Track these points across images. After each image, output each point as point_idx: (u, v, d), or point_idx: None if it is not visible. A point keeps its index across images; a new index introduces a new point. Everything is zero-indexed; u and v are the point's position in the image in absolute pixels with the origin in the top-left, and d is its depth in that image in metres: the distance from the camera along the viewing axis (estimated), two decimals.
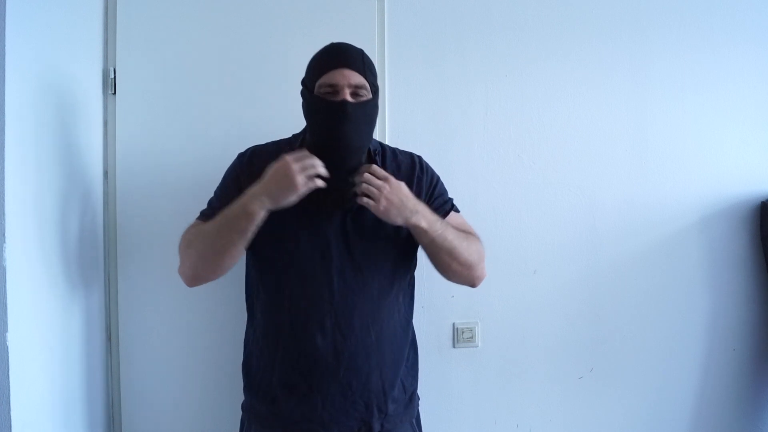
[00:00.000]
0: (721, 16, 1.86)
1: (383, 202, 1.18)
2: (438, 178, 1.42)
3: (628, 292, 1.84)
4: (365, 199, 1.19)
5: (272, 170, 1.17)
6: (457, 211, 1.41)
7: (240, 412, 1.40)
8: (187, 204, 1.65)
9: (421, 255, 1.35)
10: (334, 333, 1.26)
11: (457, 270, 1.30)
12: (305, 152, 1.19)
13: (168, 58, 1.65)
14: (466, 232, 1.35)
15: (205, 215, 1.30)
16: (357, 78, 1.21)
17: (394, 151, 1.40)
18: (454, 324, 1.77)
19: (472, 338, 1.77)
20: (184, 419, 1.66)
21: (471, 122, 1.78)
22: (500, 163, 1.79)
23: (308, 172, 1.16)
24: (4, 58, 1.05)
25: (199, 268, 1.25)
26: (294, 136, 1.38)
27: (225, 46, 1.67)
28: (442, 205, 1.38)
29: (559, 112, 1.81)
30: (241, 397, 1.39)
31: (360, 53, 1.26)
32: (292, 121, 1.67)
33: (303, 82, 1.29)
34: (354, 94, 1.21)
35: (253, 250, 1.31)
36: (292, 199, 1.16)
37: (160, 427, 1.65)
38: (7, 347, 1.04)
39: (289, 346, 1.28)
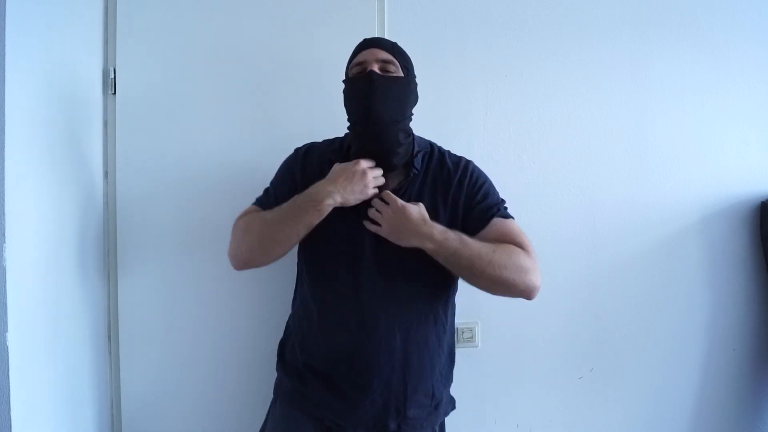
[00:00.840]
0: (721, 16, 1.86)
1: (385, 227, 1.24)
2: (485, 182, 1.38)
3: (628, 292, 1.84)
4: (367, 223, 1.26)
5: (347, 171, 1.24)
6: (508, 217, 1.34)
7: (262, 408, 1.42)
8: (187, 204, 1.65)
9: None
10: (359, 331, 1.28)
11: (489, 286, 1.25)
12: (372, 162, 1.26)
13: (168, 58, 1.65)
14: (504, 243, 1.26)
15: (262, 203, 1.35)
16: (384, 54, 1.28)
17: (444, 153, 1.40)
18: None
19: (472, 338, 1.77)
20: (185, 419, 1.66)
21: (471, 122, 1.78)
22: (500, 163, 1.79)
23: (378, 182, 1.26)
24: (4, 58, 1.05)
25: (256, 253, 1.28)
26: (341, 138, 1.43)
27: (225, 46, 1.67)
28: (486, 212, 1.32)
29: (559, 112, 1.81)
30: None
31: (390, 41, 1.34)
32: (292, 120, 1.68)
33: (344, 82, 1.34)
34: (382, 69, 1.27)
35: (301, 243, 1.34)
36: (358, 200, 1.24)
37: (160, 427, 1.65)
38: (7, 347, 1.04)
39: (317, 336, 1.32)
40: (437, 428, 1.39)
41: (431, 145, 1.41)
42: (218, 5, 1.67)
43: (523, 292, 1.27)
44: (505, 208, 1.37)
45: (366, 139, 1.28)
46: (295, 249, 1.37)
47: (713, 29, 1.86)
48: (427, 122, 1.75)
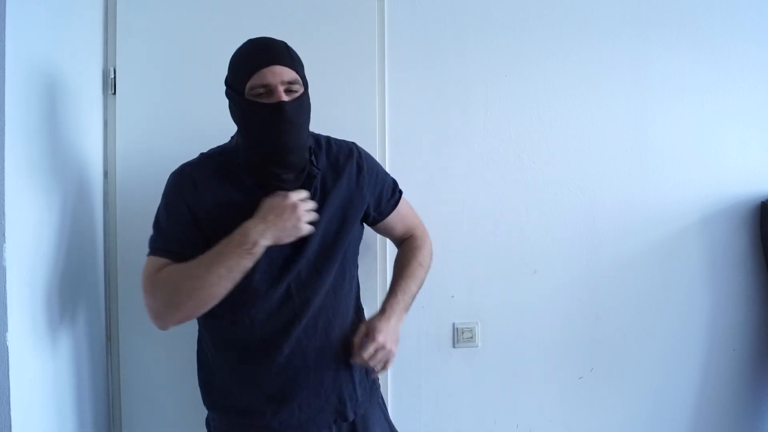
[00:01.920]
0: (721, 16, 1.86)
1: (391, 360, 1.32)
2: (378, 165, 1.42)
3: (628, 292, 1.84)
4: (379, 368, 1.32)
5: (277, 207, 1.16)
6: (401, 193, 1.46)
7: None
8: None
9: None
10: (300, 337, 1.26)
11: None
12: (305, 193, 1.20)
13: (168, 58, 1.65)
14: (409, 236, 1.48)
15: (161, 250, 1.22)
16: (288, 74, 1.16)
17: (329, 140, 1.36)
18: (454, 324, 1.77)
19: (472, 338, 1.77)
20: (184, 419, 1.65)
21: (471, 122, 1.78)
22: (500, 163, 1.79)
23: (311, 217, 1.19)
24: (4, 58, 1.05)
25: (188, 311, 1.18)
26: (225, 145, 1.33)
27: (225, 46, 1.65)
28: (392, 196, 1.42)
29: (559, 112, 1.81)
30: None
31: (284, 46, 1.20)
32: None
33: (228, 83, 1.23)
34: (288, 91, 1.16)
35: None
36: (292, 239, 1.19)
37: (160, 427, 1.65)
38: (7, 347, 1.04)
39: (258, 359, 1.26)
40: (380, 401, 1.43)
41: (315, 137, 1.33)
42: (218, 5, 1.67)
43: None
44: (395, 182, 1.45)
45: (273, 164, 1.19)
46: None
47: (713, 29, 1.86)
48: (427, 122, 1.76)
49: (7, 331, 1.04)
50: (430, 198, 1.73)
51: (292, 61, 1.18)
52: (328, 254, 1.29)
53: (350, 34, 1.70)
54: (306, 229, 1.18)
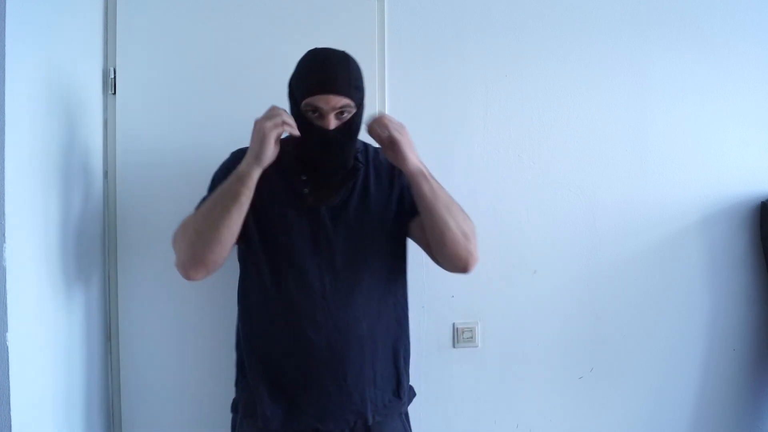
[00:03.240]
0: (721, 16, 1.86)
1: (403, 137, 1.22)
2: None
3: (628, 292, 1.84)
4: (374, 130, 1.24)
5: (251, 135, 1.22)
6: None
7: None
8: (188, 204, 1.64)
9: (417, 252, 1.36)
10: (327, 326, 1.27)
11: (453, 237, 1.27)
12: (274, 108, 1.22)
13: (168, 58, 1.65)
14: None
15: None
16: (340, 100, 1.20)
17: (377, 150, 1.39)
18: (454, 324, 1.77)
19: (472, 338, 1.77)
20: (184, 418, 1.66)
21: (471, 122, 1.78)
22: (500, 163, 1.79)
23: (275, 120, 1.20)
24: (4, 59, 1.05)
25: (197, 247, 1.22)
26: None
27: (225, 46, 1.67)
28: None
29: (559, 112, 1.81)
30: None
31: (346, 68, 1.23)
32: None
33: (290, 86, 1.29)
34: (339, 114, 1.22)
35: (245, 246, 1.33)
36: (270, 149, 1.19)
37: (159, 426, 1.66)
38: (7, 347, 1.04)
39: (284, 342, 1.29)
40: (402, 416, 1.41)
41: (362, 141, 1.38)
42: (218, 5, 1.67)
43: (471, 254, 1.31)
44: None
45: (321, 177, 1.28)
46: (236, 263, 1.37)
47: (713, 29, 1.86)
48: (427, 122, 1.76)
49: (7, 331, 1.04)
50: None
51: (349, 86, 1.22)
52: (362, 248, 1.31)
53: (350, 34, 1.70)
54: (269, 127, 1.18)
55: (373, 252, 1.32)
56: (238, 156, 1.33)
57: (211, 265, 1.24)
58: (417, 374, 1.76)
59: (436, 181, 1.28)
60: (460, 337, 1.77)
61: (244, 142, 1.42)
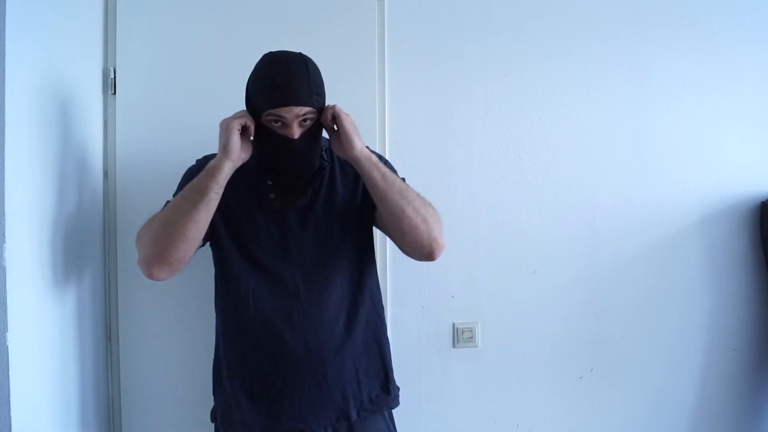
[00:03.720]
0: (721, 16, 1.86)
1: (348, 124, 1.20)
2: (383, 159, 1.42)
3: (628, 292, 1.84)
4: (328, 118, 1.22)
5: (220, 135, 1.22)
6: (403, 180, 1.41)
7: None
8: None
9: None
10: (303, 327, 1.27)
11: (412, 223, 1.23)
12: (239, 111, 1.23)
13: (168, 58, 1.65)
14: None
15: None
16: (302, 109, 1.19)
17: None
18: (454, 324, 1.77)
19: (472, 338, 1.77)
20: (184, 419, 1.66)
21: (471, 122, 1.78)
22: (500, 163, 1.79)
23: (236, 114, 1.22)
24: (4, 59, 1.05)
25: (161, 243, 1.18)
26: None
27: (225, 46, 1.67)
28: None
29: (559, 112, 1.81)
30: None
31: (305, 77, 1.19)
32: None
33: (246, 96, 1.26)
34: (302, 122, 1.20)
35: (216, 251, 1.33)
36: (236, 139, 1.18)
37: (159, 427, 1.65)
38: (7, 347, 1.04)
39: (260, 345, 1.29)
40: (386, 414, 1.40)
41: (326, 139, 1.36)
42: (218, 5, 1.67)
43: (435, 241, 1.25)
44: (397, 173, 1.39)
45: (286, 181, 1.28)
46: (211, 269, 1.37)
47: (713, 29, 1.86)
48: (427, 122, 1.76)
49: (7, 331, 1.04)
50: (430, 198, 1.71)
51: (311, 96, 1.19)
52: (333, 245, 1.31)
53: (350, 34, 1.70)
54: (234, 124, 1.19)
55: (343, 248, 1.32)
56: (200, 161, 1.34)
57: (175, 264, 1.19)
58: (417, 374, 1.77)
59: (387, 169, 1.26)
60: (460, 337, 1.77)
61: None
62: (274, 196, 1.29)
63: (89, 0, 1.58)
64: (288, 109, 1.18)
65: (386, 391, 1.38)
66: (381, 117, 1.73)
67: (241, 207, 1.30)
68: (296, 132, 1.19)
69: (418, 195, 1.28)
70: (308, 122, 1.21)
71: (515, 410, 1.81)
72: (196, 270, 1.65)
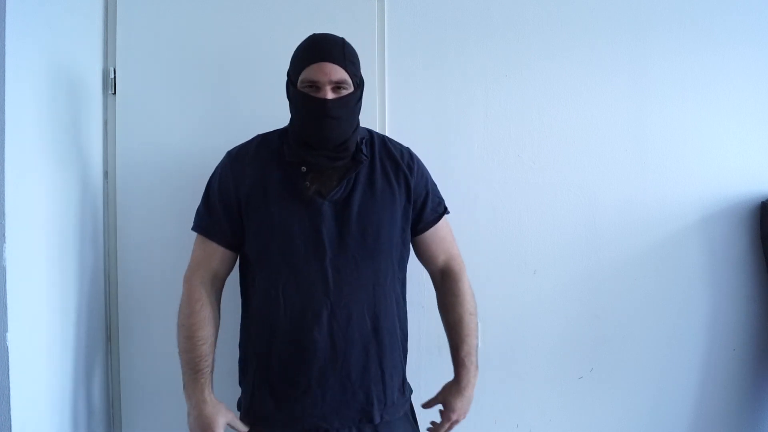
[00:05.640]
0: (721, 16, 1.86)
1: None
2: (428, 174, 1.43)
3: (628, 292, 1.84)
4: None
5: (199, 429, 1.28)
6: (447, 212, 1.44)
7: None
8: (188, 204, 1.64)
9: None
10: (331, 325, 1.27)
11: None
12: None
13: (168, 58, 1.65)
14: (450, 256, 1.45)
15: (207, 232, 1.32)
16: (338, 73, 1.22)
17: (384, 139, 1.41)
18: None
19: None
20: (184, 419, 1.65)
21: (471, 122, 1.78)
22: (500, 163, 1.79)
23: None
24: (4, 58, 1.05)
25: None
26: (281, 128, 1.39)
27: (225, 46, 1.67)
28: (436, 207, 1.41)
29: (559, 112, 1.81)
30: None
31: (341, 44, 1.26)
32: None
33: (288, 73, 1.31)
34: (336, 89, 1.23)
35: (245, 247, 1.32)
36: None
37: (159, 426, 1.66)
38: (7, 347, 1.04)
39: (287, 341, 1.29)
40: (409, 412, 1.42)
41: (369, 131, 1.41)
42: (218, 5, 1.67)
43: None
44: (443, 201, 1.45)
45: (316, 154, 1.28)
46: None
47: (713, 29, 1.86)
48: (427, 122, 1.76)
49: (7, 331, 1.04)
50: None
51: (344, 59, 1.24)
52: (366, 243, 1.29)
53: (350, 34, 1.68)
54: None
55: (377, 248, 1.31)
56: (231, 156, 1.35)
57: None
58: (417, 374, 1.76)
59: (473, 359, 1.45)
60: None
61: (243, 141, 1.43)
62: (308, 183, 1.28)
63: (89, 0, 1.58)
64: (321, 68, 1.21)
65: (402, 393, 1.39)
66: (381, 117, 1.73)
67: (274, 200, 1.29)
68: (329, 94, 1.22)
69: (471, 314, 1.48)
70: (342, 92, 1.24)
71: (515, 410, 1.81)
72: None
